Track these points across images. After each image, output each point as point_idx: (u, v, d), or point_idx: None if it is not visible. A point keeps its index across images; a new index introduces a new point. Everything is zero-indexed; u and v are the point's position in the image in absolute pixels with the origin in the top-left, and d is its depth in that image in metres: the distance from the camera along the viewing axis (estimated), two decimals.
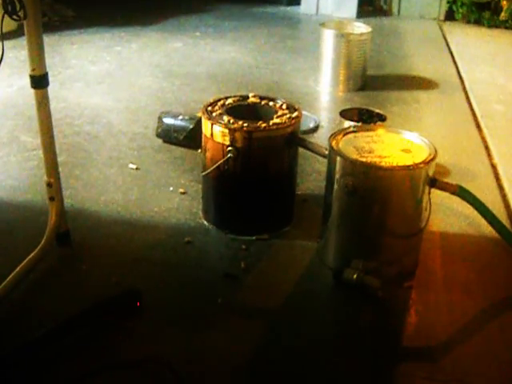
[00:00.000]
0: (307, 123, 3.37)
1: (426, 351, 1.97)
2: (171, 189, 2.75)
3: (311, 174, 2.89)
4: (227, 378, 1.80)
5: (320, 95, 4.10)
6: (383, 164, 2.08)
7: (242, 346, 1.91)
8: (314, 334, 1.99)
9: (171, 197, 2.69)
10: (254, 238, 2.41)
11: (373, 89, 4.17)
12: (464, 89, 4.30)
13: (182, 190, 2.73)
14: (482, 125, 3.66)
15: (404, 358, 1.95)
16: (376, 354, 1.93)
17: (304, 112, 3.39)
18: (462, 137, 3.50)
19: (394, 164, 2.08)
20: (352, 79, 4.07)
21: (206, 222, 2.51)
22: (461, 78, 4.53)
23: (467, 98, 4.12)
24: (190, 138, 3.03)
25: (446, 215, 2.63)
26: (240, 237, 2.41)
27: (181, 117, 3.12)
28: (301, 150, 2.47)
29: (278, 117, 2.37)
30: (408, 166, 2.07)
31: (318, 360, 1.88)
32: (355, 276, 2.10)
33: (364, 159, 2.10)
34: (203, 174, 2.43)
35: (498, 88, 4.31)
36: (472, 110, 3.91)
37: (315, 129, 3.38)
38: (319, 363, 1.87)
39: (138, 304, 2.01)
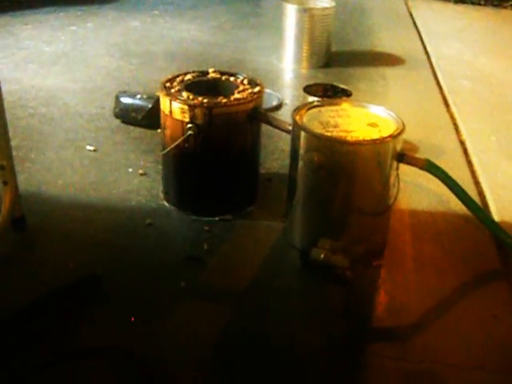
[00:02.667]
0: (270, 101, 3.29)
1: (396, 331, 1.91)
2: (130, 170, 2.65)
3: (275, 153, 2.80)
4: (190, 365, 1.72)
5: (283, 72, 4.02)
6: (349, 138, 2.00)
7: (206, 331, 1.83)
8: (281, 317, 1.92)
9: (131, 178, 2.59)
10: (217, 218, 2.32)
11: (337, 65, 4.09)
12: (431, 65, 4.24)
13: (141, 172, 2.64)
14: (450, 101, 3.61)
15: (374, 338, 1.88)
16: (345, 335, 1.86)
17: (267, 90, 3.31)
18: (429, 113, 3.44)
19: (361, 138, 2.00)
20: (316, 56, 3.99)
21: (167, 204, 2.42)
22: (427, 54, 4.48)
23: (434, 74, 4.06)
24: (149, 117, 2.93)
25: (415, 192, 2.57)
26: (202, 218, 2.32)
27: (139, 96, 3.03)
28: (264, 127, 2.39)
29: (239, 92, 2.29)
30: (375, 141, 1.99)
31: (286, 343, 1.81)
32: (322, 256, 2.02)
33: (329, 134, 2.02)
34: (162, 153, 2.33)
35: (465, 64, 4.26)
36: (439, 86, 3.86)
37: (279, 106, 3.30)
38: (287, 346, 1.80)
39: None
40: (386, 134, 2.02)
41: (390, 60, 4.28)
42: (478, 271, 2.19)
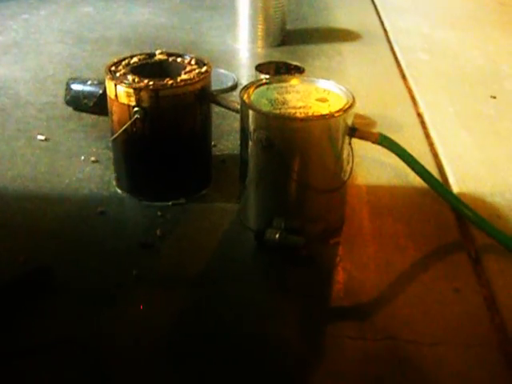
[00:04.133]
0: (225, 81, 3.21)
1: (355, 310, 1.87)
2: (82, 158, 2.59)
3: (229, 134, 2.76)
4: (144, 354, 1.67)
5: (238, 52, 3.95)
6: (298, 115, 1.96)
7: (160, 319, 1.79)
8: (238, 301, 1.87)
9: (82, 166, 2.53)
10: (170, 203, 2.27)
11: (293, 43, 4.04)
12: (388, 39, 4.20)
13: (93, 159, 2.57)
14: (407, 74, 3.57)
15: (332, 318, 1.85)
16: (303, 316, 1.83)
17: (221, 70, 3.26)
18: (387, 87, 3.41)
19: (310, 114, 1.96)
20: (271, 34, 3.94)
21: (119, 191, 2.36)
22: (384, 28, 4.44)
23: (391, 48, 4.03)
24: (101, 103, 2.85)
25: (372, 167, 2.53)
26: (155, 203, 2.27)
27: (89, 82, 2.95)
28: (218, 108, 2.36)
29: (186, 73, 2.23)
30: (324, 115, 1.95)
31: (243, 328, 1.77)
32: (277, 236, 1.98)
33: (277, 111, 1.97)
34: (111, 138, 2.28)
35: (422, 37, 4.23)
36: (396, 60, 3.82)
37: (234, 87, 3.22)
38: (244, 331, 1.76)
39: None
40: (336, 108, 1.98)
41: (346, 36, 4.23)
42: (438, 244, 2.16)
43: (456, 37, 4.22)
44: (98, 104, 2.90)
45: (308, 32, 4.31)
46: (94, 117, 2.93)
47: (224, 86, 3.14)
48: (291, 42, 4.05)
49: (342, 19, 4.60)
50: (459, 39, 4.17)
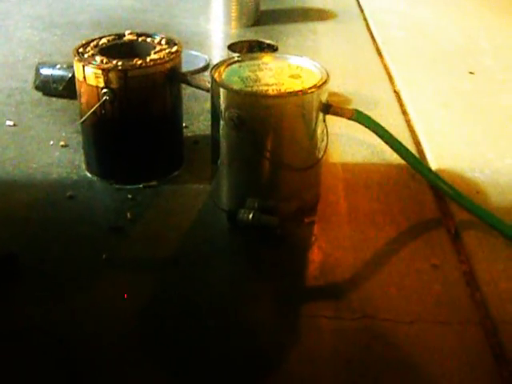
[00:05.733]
0: (197, 62, 3.18)
1: (331, 289, 1.84)
2: (51, 143, 2.53)
3: (201, 114, 2.71)
4: (114, 339, 1.63)
5: (212, 34, 3.90)
6: (270, 92, 1.90)
7: (130, 303, 1.74)
8: (211, 283, 1.83)
9: (52, 151, 2.47)
10: (141, 185, 2.22)
11: (268, 23, 3.99)
12: (364, 17, 4.16)
13: (63, 143, 2.52)
14: (384, 51, 3.54)
15: (308, 298, 1.81)
16: (278, 297, 1.79)
17: (194, 52, 3.21)
18: (362, 65, 3.37)
19: (282, 91, 1.91)
20: (245, 15, 3.88)
21: (89, 174, 2.31)
22: (360, 6, 4.39)
23: (367, 26, 3.99)
24: (70, 87, 2.78)
25: (348, 145, 2.50)
26: (126, 186, 2.22)
27: (58, 66, 2.89)
28: (190, 90, 2.32)
29: (156, 52, 2.18)
30: (297, 92, 1.90)
31: (216, 310, 1.73)
32: (251, 216, 1.94)
33: (249, 89, 1.92)
34: (80, 121, 2.22)
35: (398, 14, 4.19)
36: (373, 37, 3.79)
37: (205, 68, 3.19)
38: (217, 313, 1.72)
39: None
40: (309, 85, 1.93)
41: (321, 15, 4.18)
42: (416, 221, 2.12)
43: (433, 14, 4.19)
44: (67, 88, 2.83)
45: (283, 12, 4.26)
46: (64, 101, 2.87)
47: (196, 67, 3.11)
48: (266, 22, 4.00)
49: None
50: (436, 16, 4.14)
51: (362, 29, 3.93)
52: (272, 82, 1.97)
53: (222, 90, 1.93)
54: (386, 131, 2.05)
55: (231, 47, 2.78)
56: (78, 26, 3.96)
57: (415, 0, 4.52)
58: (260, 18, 4.01)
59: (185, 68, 2.37)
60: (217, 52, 3.56)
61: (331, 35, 3.81)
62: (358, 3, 4.46)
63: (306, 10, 4.31)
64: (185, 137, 2.46)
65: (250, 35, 3.71)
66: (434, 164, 2.40)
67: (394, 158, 2.24)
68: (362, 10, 4.30)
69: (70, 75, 2.81)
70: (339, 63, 3.30)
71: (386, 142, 2.08)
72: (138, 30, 2.44)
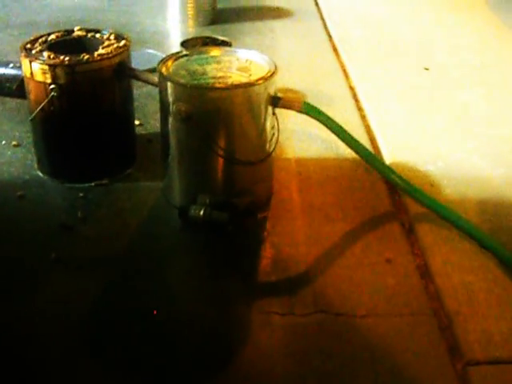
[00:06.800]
0: (154, 61, 3.13)
1: (283, 285, 1.82)
2: (3, 142, 2.49)
3: (156, 112, 2.60)
4: (62, 340, 1.60)
5: (169, 33, 3.88)
6: (217, 85, 1.88)
7: (79, 303, 1.71)
8: (161, 281, 1.81)
9: (3, 151, 2.43)
10: (92, 184, 2.18)
11: (225, 22, 3.97)
12: (321, 16, 4.15)
13: (15, 143, 2.48)
14: (340, 49, 3.53)
15: (260, 294, 1.79)
16: (229, 294, 1.77)
17: (150, 50, 3.18)
18: (319, 62, 3.36)
19: (229, 83, 1.88)
20: (201, 14, 3.86)
21: (40, 174, 2.27)
22: (318, 5, 4.38)
23: (324, 24, 3.98)
24: (24, 86, 2.74)
25: (302, 140, 2.48)
26: (77, 185, 2.19)
27: (11, 65, 2.82)
28: (146, 88, 2.32)
29: (103, 47, 2.14)
30: (244, 84, 1.88)
31: (168, 308, 1.71)
32: (202, 212, 1.91)
33: (196, 82, 1.90)
34: (29, 119, 2.18)
35: (355, 13, 4.19)
36: (329, 35, 3.78)
37: None
38: (169, 311, 1.69)
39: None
40: (257, 77, 1.91)
41: (278, 13, 4.17)
42: (370, 216, 2.11)
43: (389, 12, 4.19)
44: (21, 87, 2.77)
45: (240, 10, 4.24)
46: (18, 101, 2.80)
47: (151, 66, 3.07)
48: (223, 21, 3.98)
49: None
50: (392, 14, 4.14)
51: (318, 27, 3.92)
52: (219, 75, 1.96)
53: (168, 84, 1.90)
54: (336, 123, 2.04)
55: (184, 44, 2.75)
56: (36, 26, 3.89)
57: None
58: (217, 16, 3.99)
59: (142, 66, 2.34)
60: (174, 50, 3.50)
61: (288, 33, 3.80)
62: (316, 2, 4.45)
63: (263, 8, 4.30)
64: (138, 135, 2.44)
65: (207, 33, 3.66)
66: (388, 158, 2.40)
67: (347, 152, 2.23)
68: (319, 9, 4.29)
69: (23, 74, 2.76)
70: (296, 61, 3.29)
71: (337, 134, 2.06)
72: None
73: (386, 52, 3.48)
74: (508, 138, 2.55)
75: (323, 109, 2.07)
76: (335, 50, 3.53)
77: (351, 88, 3.03)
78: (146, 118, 2.63)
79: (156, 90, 2.20)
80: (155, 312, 1.70)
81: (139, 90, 2.72)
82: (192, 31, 3.82)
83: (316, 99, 2.75)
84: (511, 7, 4.31)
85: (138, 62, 2.43)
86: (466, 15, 4.13)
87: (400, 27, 3.89)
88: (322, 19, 4.07)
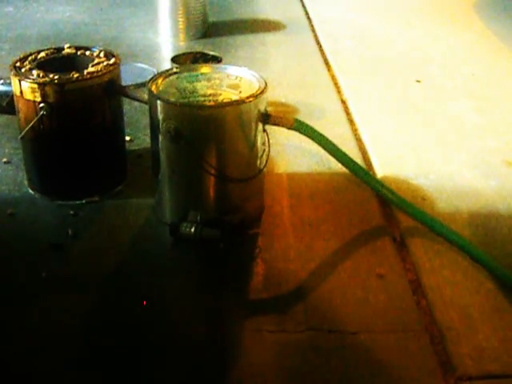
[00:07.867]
0: (145, 75, 3.15)
1: (275, 302, 1.80)
2: None
3: (147, 128, 2.61)
4: (52, 358, 1.59)
5: (160, 47, 3.86)
6: (206, 103, 1.88)
7: (69, 323, 1.70)
8: (153, 299, 1.79)
9: None
10: (83, 201, 2.18)
11: (216, 35, 3.96)
12: (312, 28, 4.15)
13: (5, 160, 2.47)
14: (331, 62, 3.53)
15: (251, 312, 1.77)
16: (220, 311, 1.76)
17: (142, 64, 3.19)
18: (310, 75, 3.35)
19: (219, 101, 1.88)
20: (192, 27, 3.85)
21: (31, 191, 2.26)
22: (309, 18, 4.38)
23: (315, 36, 3.98)
24: (14, 103, 2.74)
25: (294, 155, 2.48)
26: (68, 202, 2.18)
27: (1, 81, 2.83)
28: (137, 103, 2.31)
29: (93, 65, 2.14)
30: (234, 102, 1.88)
31: (159, 327, 1.69)
32: (193, 230, 1.91)
33: (186, 100, 1.90)
34: (19, 137, 2.18)
35: (347, 25, 4.19)
36: (321, 48, 3.78)
37: None
38: (160, 330, 1.68)
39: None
40: (247, 94, 1.91)
41: (270, 26, 4.17)
42: (361, 231, 2.11)
43: (380, 24, 4.19)
44: (11, 103, 2.77)
45: (231, 23, 4.23)
46: (8, 117, 2.80)
47: (143, 80, 3.07)
48: (214, 34, 3.98)
49: (266, 10, 4.53)
50: (384, 27, 4.15)
51: (310, 39, 3.91)
52: (209, 93, 1.95)
53: (158, 102, 1.90)
54: (327, 140, 2.04)
55: (175, 59, 2.75)
56: (26, 41, 3.90)
57: (363, 10, 4.53)
58: (209, 30, 3.99)
59: (133, 81, 2.34)
60: (165, 65, 3.49)
61: (280, 46, 3.79)
62: (307, 14, 4.45)
63: (255, 21, 4.30)
64: (129, 150, 2.43)
65: (199, 47, 3.68)
66: (380, 171, 2.39)
67: (339, 167, 2.21)
68: (310, 21, 4.30)
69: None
70: (287, 74, 3.29)
71: (328, 151, 2.06)
72: (88, 45, 2.40)
73: (377, 65, 3.49)
74: (500, 150, 2.55)
75: (314, 122, 2.07)
76: (327, 62, 3.52)
77: (343, 101, 3.02)
78: (137, 132, 2.63)
79: (147, 106, 2.21)
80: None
81: (130, 105, 2.72)
82: (183, 45, 3.82)
83: (307, 112, 2.77)
84: (502, 19, 4.33)
85: (128, 76, 2.44)
86: (458, 27, 4.14)
87: (391, 39, 3.89)
88: (314, 31, 4.07)
